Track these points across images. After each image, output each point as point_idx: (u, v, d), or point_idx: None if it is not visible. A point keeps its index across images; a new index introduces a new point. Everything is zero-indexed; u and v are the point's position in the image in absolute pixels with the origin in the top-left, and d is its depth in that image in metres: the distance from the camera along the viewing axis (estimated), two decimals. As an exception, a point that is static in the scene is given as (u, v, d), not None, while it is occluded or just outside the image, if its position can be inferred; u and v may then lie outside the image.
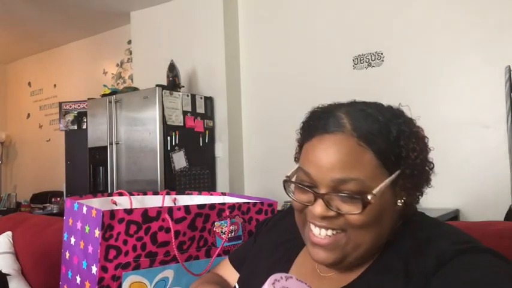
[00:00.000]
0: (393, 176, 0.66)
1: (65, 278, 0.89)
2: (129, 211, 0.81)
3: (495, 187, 2.70)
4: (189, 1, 4.06)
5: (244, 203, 0.98)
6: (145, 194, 1.10)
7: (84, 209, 0.84)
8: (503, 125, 2.62)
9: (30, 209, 4.51)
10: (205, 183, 3.65)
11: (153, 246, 0.83)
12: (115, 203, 1.03)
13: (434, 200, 2.95)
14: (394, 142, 0.65)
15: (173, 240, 0.83)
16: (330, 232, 0.66)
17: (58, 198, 4.64)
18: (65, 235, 0.90)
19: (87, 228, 0.82)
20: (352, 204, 0.64)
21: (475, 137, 2.85)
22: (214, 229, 0.92)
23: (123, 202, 1.04)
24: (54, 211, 4.43)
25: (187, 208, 0.87)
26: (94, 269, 0.79)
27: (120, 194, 1.05)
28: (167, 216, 0.84)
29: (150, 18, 4.36)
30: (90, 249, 0.80)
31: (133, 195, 1.07)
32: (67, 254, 0.89)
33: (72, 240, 0.87)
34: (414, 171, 0.68)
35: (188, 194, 1.17)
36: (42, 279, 1.66)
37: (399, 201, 0.69)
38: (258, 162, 3.80)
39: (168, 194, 1.12)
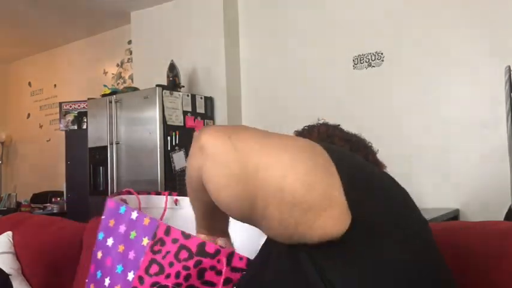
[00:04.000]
0: None
1: (93, 277, 0.86)
2: (187, 235, 0.76)
3: (495, 187, 2.69)
4: (189, 1, 4.06)
5: None
6: (149, 193, 1.09)
7: (134, 214, 0.81)
8: (503, 125, 2.62)
9: (31, 208, 4.51)
10: (205, 183, 3.65)
11: (197, 281, 0.76)
12: (125, 201, 1.01)
13: (434, 200, 2.96)
14: None
15: (221, 285, 0.76)
16: None
17: (58, 198, 4.64)
18: (101, 234, 0.87)
19: (133, 233, 0.79)
20: None
21: (475, 137, 2.85)
22: None
23: (134, 201, 1.02)
24: (55, 211, 4.43)
25: (250, 261, 0.78)
26: (130, 276, 0.76)
27: (129, 193, 1.03)
28: (224, 259, 0.76)
29: (150, 18, 4.36)
30: (132, 255, 0.78)
31: (141, 194, 1.04)
32: (99, 254, 0.86)
33: (110, 241, 0.84)
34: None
35: None
36: (42, 279, 1.67)
37: None
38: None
39: (170, 194, 1.11)
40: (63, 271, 1.68)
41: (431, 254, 0.65)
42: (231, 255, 0.77)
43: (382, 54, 3.22)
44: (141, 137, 3.41)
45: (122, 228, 0.82)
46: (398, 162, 3.11)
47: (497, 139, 2.73)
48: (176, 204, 1.11)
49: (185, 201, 1.11)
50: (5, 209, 4.47)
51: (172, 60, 3.69)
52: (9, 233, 1.85)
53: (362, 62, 3.30)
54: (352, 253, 0.56)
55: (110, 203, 0.88)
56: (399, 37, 3.15)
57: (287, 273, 0.59)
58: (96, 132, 3.70)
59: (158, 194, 1.10)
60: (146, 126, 3.39)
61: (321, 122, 1.07)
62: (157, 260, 0.76)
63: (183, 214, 1.04)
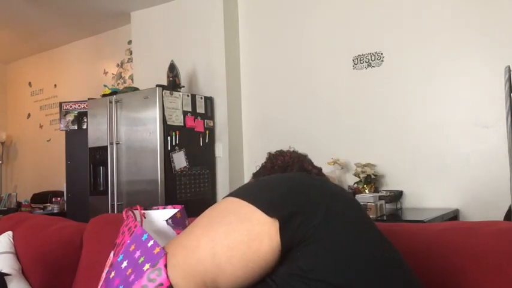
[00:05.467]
0: None
1: None
2: None
3: (495, 187, 2.70)
4: (189, 1, 4.06)
5: None
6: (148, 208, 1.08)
7: (151, 242, 0.83)
8: (503, 125, 2.62)
9: (31, 208, 4.51)
10: (205, 183, 3.65)
11: None
12: (144, 216, 1.02)
13: (434, 200, 2.96)
14: (261, 169, 1.16)
15: None
16: None
17: (58, 198, 4.64)
18: (121, 257, 0.90)
19: (141, 259, 0.82)
20: None
21: (475, 137, 2.85)
22: None
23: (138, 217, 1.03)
24: (55, 211, 4.43)
25: None
26: None
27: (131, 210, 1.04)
28: None
29: (150, 18, 4.36)
30: (132, 277, 0.80)
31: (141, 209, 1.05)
32: (112, 273, 0.89)
33: (124, 264, 0.87)
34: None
35: (154, 209, 1.13)
36: (43, 279, 1.67)
37: None
38: (258, 162, 3.80)
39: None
40: (63, 271, 1.68)
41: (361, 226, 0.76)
42: None
43: (382, 54, 3.22)
44: (141, 137, 3.41)
45: (137, 254, 0.85)
46: (399, 162, 3.12)
47: (497, 139, 2.73)
48: (144, 217, 1.10)
49: (151, 215, 1.10)
50: (5, 209, 4.47)
51: (172, 60, 3.70)
52: (10, 233, 1.85)
53: (362, 62, 3.30)
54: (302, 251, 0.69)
55: (138, 231, 0.90)
56: (399, 37, 3.15)
57: None
58: (96, 132, 3.70)
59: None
60: (146, 126, 3.39)
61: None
62: (148, 287, 0.77)
63: (152, 227, 1.05)
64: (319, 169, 1.13)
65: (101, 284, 0.91)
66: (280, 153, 1.16)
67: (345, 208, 0.76)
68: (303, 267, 0.67)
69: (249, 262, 0.68)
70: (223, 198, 0.79)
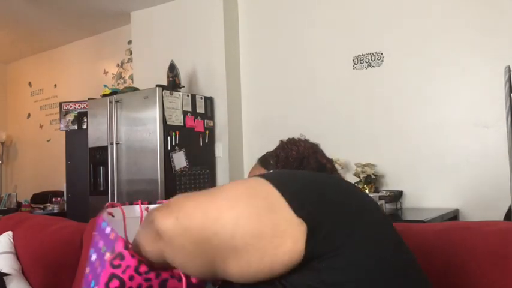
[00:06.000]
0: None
1: None
2: None
3: (495, 187, 2.70)
4: (189, 1, 4.06)
5: None
6: (131, 203, 1.07)
7: (108, 229, 0.81)
8: (503, 125, 2.62)
9: (31, 208, 4.51)
10: (205, 183, 3.65)
11: None
12: (112, 215, 1.01)
13: (434, 200, 2.96)
14: (270, 156, 1.11)
15: None
16: None
17: (59, 198, 4.64)
18: (91, 251, 0.89)
19: (103, 248, 0.80)
20: None
21: (475, 137, 2.85)
22: None
23: (119, 212, 1.02)
24: (55, 211, 4.43)
25: None
26: None
27: (112, 206, 1.03)
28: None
29: (150, 18, 4.36)
30: (99, 269, 0.79)
31: (124, 204, 1.04)
32: (87, 270, 0.88)
33: (93, 257, 0.85)
34: (283, 168, 1.05)
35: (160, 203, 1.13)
36: (43, 279, 1.67)
37: None
38: (258, 162, 3.81)
39: (143, 203, 1.10)
40: (63, 271, 1.68)
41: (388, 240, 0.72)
42: None
43: (382, 54, 3.22)
44: (141, 137, 3.41)
45: (101, 244, 0.83)
46: (399, 162, 3.12)
47: (497, 139, 2.73)
48: (148, 212, 1.10)
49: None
50: (5, 209, 4.47)
51: (172, 60, 3.70)
52: (10, 232, 1.85)
53: (362, 62, 3.30)
54: (320, 261, 0.63)
55: (99, 219, 0.88)
56: (399, 37, 3.15)
57: None
58: (96, 132, 3.70)
59: (131, 203, 1.08)
60: (146, 126, 3.39)
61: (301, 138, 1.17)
62: (117, 274, 0.75)
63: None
64: (331, 161, 1.10)
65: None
66: (294, 143, 1.12)
67: (371, 215, 0.71)
68: (326, 280, 0.62)
69: (265, 256, 0.62)
70: (252, 177, 0.72)
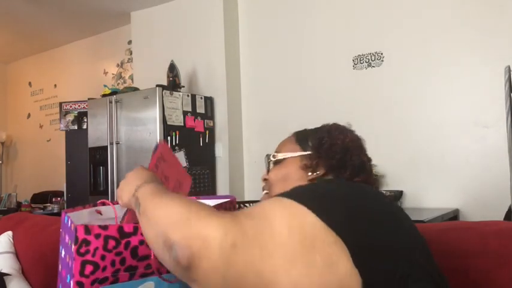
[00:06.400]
0: (299, 153, 0.95)
1: None
2: (104, 227, 0.78)
3: (495, 187, 2.70)
4: (189, 1, 4.06)
5: (216, 204, 0.92)
6: None
7: (69, 222, 0.82)
8: (503, 125, 2.62)
9: (31, 208, 4.50)
10: (205, 183, 3.65)
11: (133, 260, 0.80)
12: (100, 213, 1.01)
13: (434, 200, 2.96)
14: (311, 136, 0.97)
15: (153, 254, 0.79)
16: (264, 192, 1.00)
17: (59, 198, 4.64)
18: (61, 248, 0.90)
19: (69, 241, 0.81)
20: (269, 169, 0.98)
21: (475, 137, 2.85)
22: None
23: (110, 211, 1.03)
24: (55, 211, 4.43)
25: None
26: (72, 284, 0.77)
27: (103, 204, 1.04)
28: None
29: (150, 18, 4.36)
30: (70, 263, 0.79)
31: (117, 204, 1.05)
32: (60, 267, 0.89)
33: (63, 253, 0.87)
34: (324, 156, 0.92)
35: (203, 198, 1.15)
36: (43, 279, 1.67)
37: (310, 173, 0.91)
38: (258, 163, 3.81)
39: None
40: (64, 271, 1.68)
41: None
42: None
43: (382, 54, 3.22)
44: (141, 137, 3.41)
45: (67, 238, 0.84)
46: (399, 162, 3.11)
47: (497, 139, 2.73)
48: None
49: None
50: (5, 209, 4.47)
51: (172, 60, 3.70)
52: (10, 232, 1.85)
53: (362, 62, 3.30)
54: None
55: (62, 215, 0.89)
56: (399, 37, 3.15)
57: None
58: (96, 132, 3.70)
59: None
60: (146, 126, 3.39)
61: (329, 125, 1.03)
62: (88, 260, 0.77)
63: None
64: (371, 160, 1.01)
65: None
66: (341, 131, 0.98)
67: (420, 253, 0.67)
68: None
69: None
70: (300, 210, 0.60)
